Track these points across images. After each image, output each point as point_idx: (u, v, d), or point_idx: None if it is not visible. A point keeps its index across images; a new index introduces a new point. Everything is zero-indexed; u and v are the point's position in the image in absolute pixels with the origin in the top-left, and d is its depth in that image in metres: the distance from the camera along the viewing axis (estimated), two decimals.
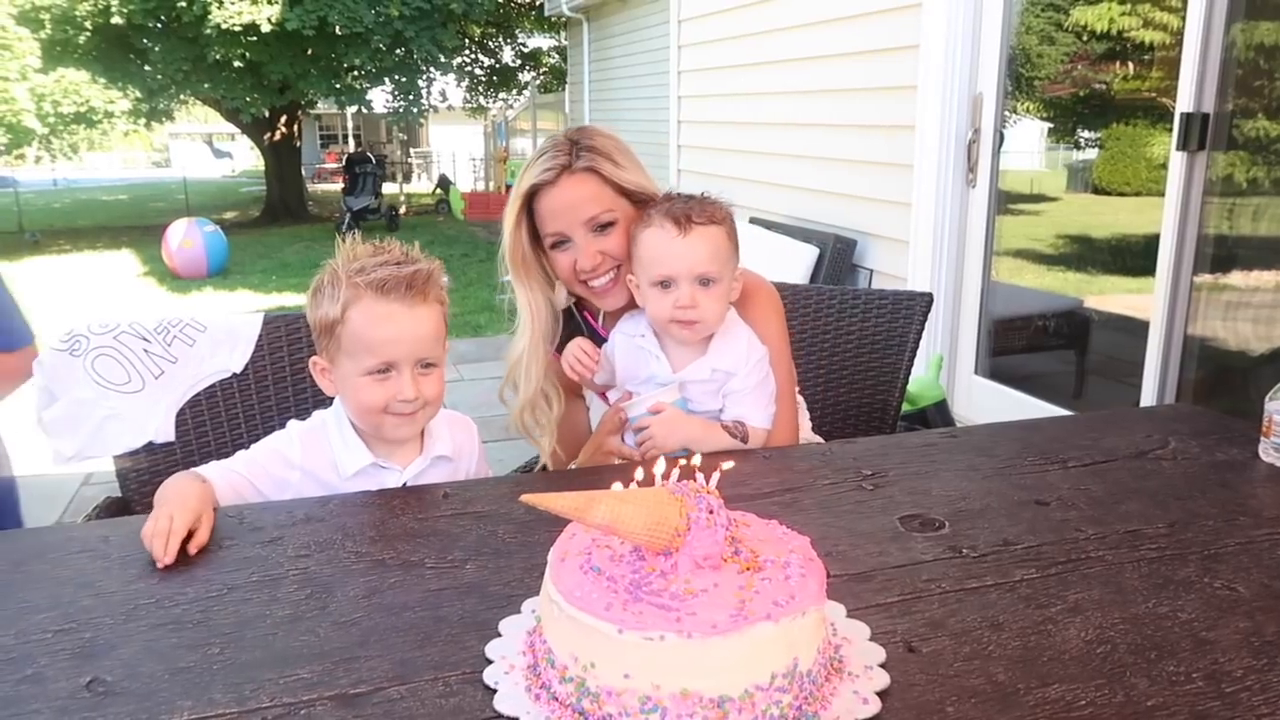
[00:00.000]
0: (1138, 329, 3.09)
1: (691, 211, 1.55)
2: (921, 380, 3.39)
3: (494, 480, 1.56)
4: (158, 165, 36.15)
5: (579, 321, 1.81)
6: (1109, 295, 3.78)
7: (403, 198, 17.50)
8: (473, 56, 21.03)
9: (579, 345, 1.66)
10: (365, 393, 1.40)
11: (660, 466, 0.95)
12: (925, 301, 2.12)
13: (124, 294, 8.96)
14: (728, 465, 0.97)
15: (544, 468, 1.78)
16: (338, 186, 17.20)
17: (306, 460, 1.46)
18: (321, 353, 1.45)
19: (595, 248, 1.62)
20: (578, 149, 1.62)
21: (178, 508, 1.20)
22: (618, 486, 0.91)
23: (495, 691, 0.90)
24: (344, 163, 15.41)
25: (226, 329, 1.90)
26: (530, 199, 1.65)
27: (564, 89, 14.96)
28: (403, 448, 1.49)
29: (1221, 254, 2.88)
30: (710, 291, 1.56)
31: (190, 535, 1.20)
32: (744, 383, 1.62)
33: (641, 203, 1.65)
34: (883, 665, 0.94)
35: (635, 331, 1.66)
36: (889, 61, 4.16)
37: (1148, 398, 3.01)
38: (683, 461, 0.97)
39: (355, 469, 1.45)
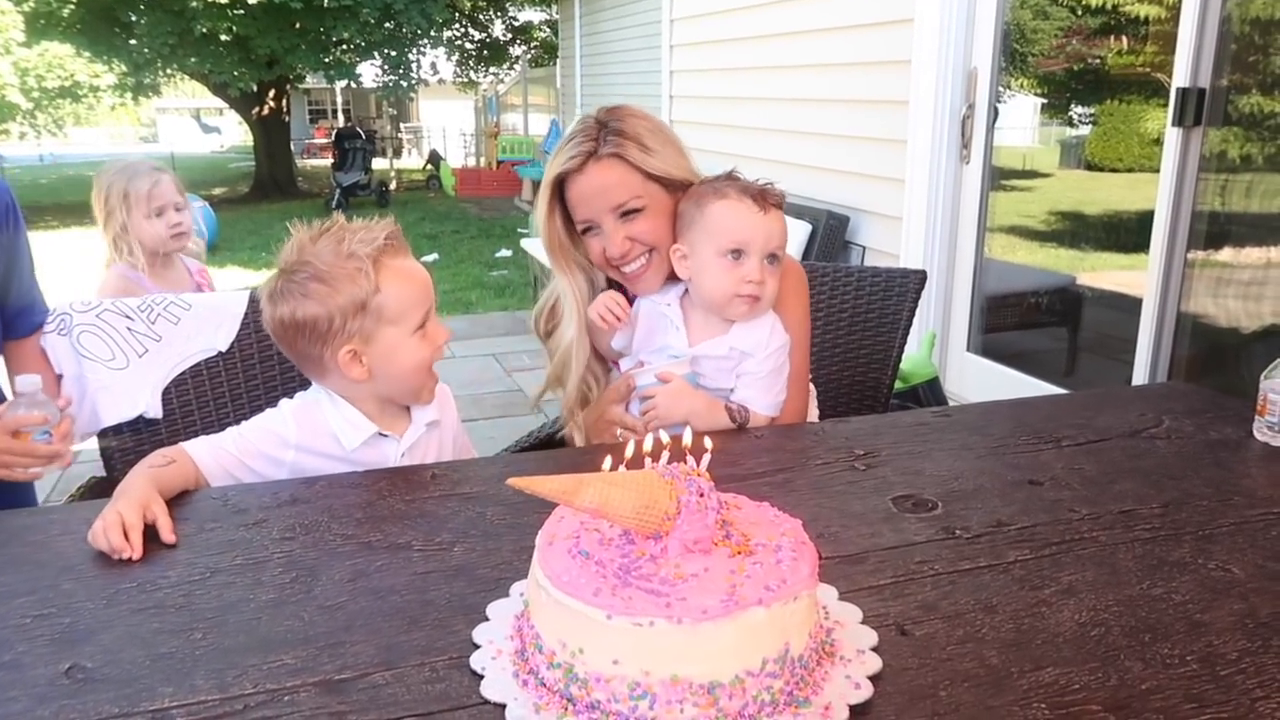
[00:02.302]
0: (1131, 306, 3.07)
1: (766, 192, 1.57)
2: (914, 358, 3.38)
3: (483, 461, 1.54)
4: (145, 140, 35.79)
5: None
6: (1102, 272, 3.77)
7: (393, 173, 17.37)
8: (463, 30, 20.88)
9: (611, 296, 1.63)
10: (418, 351, 1.43)
11: (649, 446, 0.93)
12: (919, 279, 2.10)
13: None
14: (709, 444, 0.95)
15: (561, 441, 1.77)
16: (327, 162, 17.08)
17: (303, 437, 1.44)
18: (350, 339, 1.40)
19: (623, 234, 1.60)
20: (605, 133, 1.58)
21: (122, 503, 1.17)
22: (607, 464, 0.90)
23: (482, 677, 0.89)
24: (333, 138, 15.27)
25: (211, 307, 1.88)
26: (559, 185, 1.63)
27: (555, 63, 14.83)
28: (396, 418, 1.49)
29: (1216, 230, 2.86)
30: (775, 271, 1.57)
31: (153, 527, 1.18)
32: (759, 367, 1.61)
33: (674, 188, 1.62)
34: (875, 649, 0.93)
35: (663, 300, 1.65)
36: (883, 36, 4.11)
37: (1140, 374, 3.00)
38: (666, 438, 0.96)
39: (361, 440, 1.45)
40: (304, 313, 1.39)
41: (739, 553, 0.88)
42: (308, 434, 1.44)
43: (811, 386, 1.83)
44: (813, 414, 1.83)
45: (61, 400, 1.59)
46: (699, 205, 1.58)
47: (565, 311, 1.69)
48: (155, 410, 1.79)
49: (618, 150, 1.58)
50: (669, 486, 0.88)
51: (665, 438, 0.96)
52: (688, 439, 0.94)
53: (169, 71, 14.28)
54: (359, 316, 1.39)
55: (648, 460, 0.92)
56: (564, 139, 1.63)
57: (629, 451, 0.92)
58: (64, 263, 9.32)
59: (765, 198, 1.56)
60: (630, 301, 1.67)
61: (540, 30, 22.14)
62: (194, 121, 34.69)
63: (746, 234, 1.54)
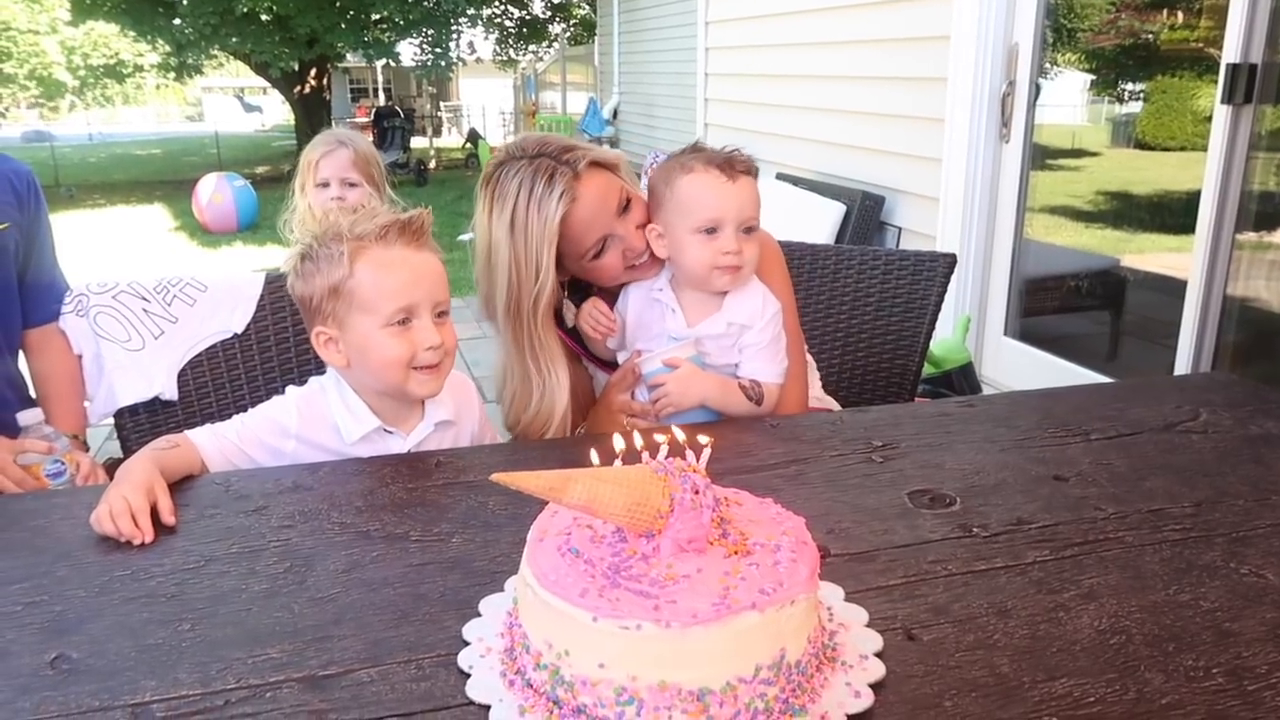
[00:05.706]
0: (1177, 289, 2.97)
1: (733, 159, 1.53)
2: (947, 342, 3.31)
3: (489, 448, 1.51)
4: (191, 119, 36.23)
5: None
6: (1147, 254, 3.65)
7: (432, 152, 17.39)
8: (502, 8, 20.77)
9: (595, 305, 1.61)
10: (388, 347, 1.34)
11: (639, 441, 0.89)
12: (948, 263, 2.04)
13: (156, 248, 9.00)
14: (705, 440, 0.91)
15: None
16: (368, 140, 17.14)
17: (304, 428, 1.42)
18: (325, 321, 1.37)
19: (634, 226, 1.57)
20: (560, 158, 1.49)
21: (127, 487, 1.17)
22: (595, 458, 0.86)
23: (469, 676, 0.87)
24: (372, 117, 15.31)
25: (228, 288, 1.87)
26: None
27: (594, 41, 14.73)
28: (406, 414, 1.45)
29: (1266, 211, 2.75)
30: (751, 239, 1.54)
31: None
32: (759, 337, 1.58)
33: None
34: (879, 654, 0.89)
35: (654, 286, 1.62)
36: (921, 11, 4.01)
37: (1183, 361, 2.90)
38: (679, 432, 0.92)
39: (360, 434, 1.41)
40: (296, 291, 1.41)
41: (735, 553, 0.85)
42: (308, 423, 1.42)
43: (810, 359, 1.81)
44: (814, 385, 1.80)
45: (84, 466, 1.61)
46: (668, 182, 1.54)
47: (553, 402, 1.57)
48: (171, 392, 1.79)
49: (592, 159, 1.52)
50: (662, 483, 0.85)
51: (679, 432, 0.92)
52: (679, 435, 0.90)
53: (212, 51, 14.40)
54: (333, 299, 1.36)
55: (644, 455, 0.88)
56: (524, 195, 1.48)
57: (618, 445, 0.89)
58: (110, 240, 9.48)
59: (732, 166, 1.52)
60: (610, 305, 1.64)
61: (579, 8, 21.97)
62: (237, 101, 35.03)
63: (718, 209, 1.50)
